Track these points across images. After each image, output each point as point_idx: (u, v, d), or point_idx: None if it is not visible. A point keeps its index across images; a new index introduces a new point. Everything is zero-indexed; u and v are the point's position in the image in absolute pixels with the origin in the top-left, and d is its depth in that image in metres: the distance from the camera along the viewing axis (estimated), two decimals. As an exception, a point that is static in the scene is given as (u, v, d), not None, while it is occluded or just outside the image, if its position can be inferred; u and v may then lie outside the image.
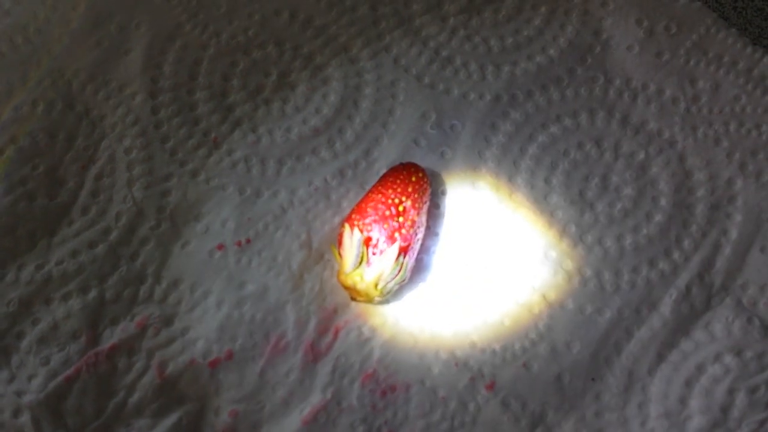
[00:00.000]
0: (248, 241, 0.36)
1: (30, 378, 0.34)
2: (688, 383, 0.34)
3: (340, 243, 0.35)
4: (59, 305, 0.35)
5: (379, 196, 0.35)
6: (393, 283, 0.34)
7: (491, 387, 0.34)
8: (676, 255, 0.36)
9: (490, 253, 0.37)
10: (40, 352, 0.34)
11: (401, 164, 0.37)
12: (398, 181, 0.36)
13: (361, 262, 0.34)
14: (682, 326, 0.35)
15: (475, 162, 0.38)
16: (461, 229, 0.37)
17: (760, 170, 0.38)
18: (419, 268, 0.36)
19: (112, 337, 0.35)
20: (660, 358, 0.35)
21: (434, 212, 0.37)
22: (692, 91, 0.39)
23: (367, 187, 0.37)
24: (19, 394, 0.34)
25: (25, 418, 0.33)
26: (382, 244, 0.34)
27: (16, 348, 0.34)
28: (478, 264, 0.36)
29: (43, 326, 0.35)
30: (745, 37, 0.39)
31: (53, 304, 0.35)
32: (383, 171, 0.37)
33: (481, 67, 0.39)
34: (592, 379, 0.35)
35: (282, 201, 0.37)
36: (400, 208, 0.35)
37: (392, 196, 0.35)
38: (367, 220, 0.35)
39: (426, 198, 0.36)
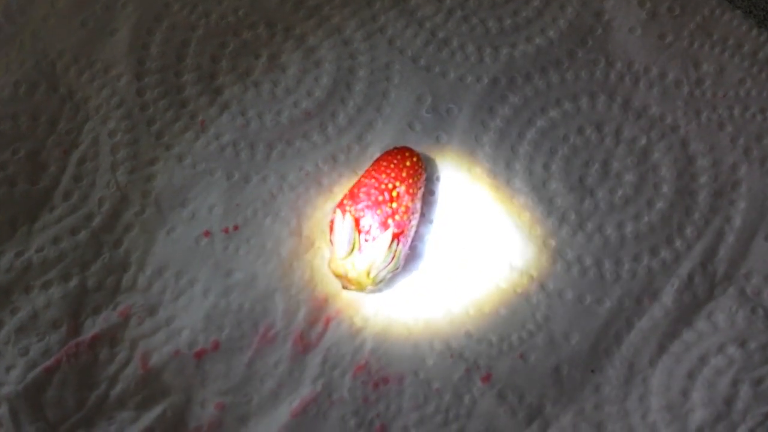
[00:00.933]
0: (236, 227, 0.35)
1: (8, 369, 0.33)
2: (691, 375, 0.33)
3: (331, 229, 0.34)
4: (39, 294, 0.34)
5: (372, 180, 0.34)
6: (386, 271, 0.33)
7: (487, 379, 0.33)
8: (678, 243, 0.35)
9: (486, 241, 0.35)
10: (18, 342, 0.33)
11: (395, 148, 0.35)
12: (392, 166, 0.34)
13: (352, 249, 0.33)
14: (684, 316, 0.34)
15: (471, 147, 0.37)
16: (456, 216, 0.36)
17: (765, 156, 0.36)
18: (413, 255, 0.35)
19: (93, 326, 0.33)
20: (661, 349, 0.34)
21: (429, 198, 0.36)
22: (696, 75, 0.38)
23: (360, 173, 0.35)
24: (-3, 385, 0.32)
25: (2, 410, 0.32)
26: (375, 231, 0.33)
27: (-5, 338, 0.33)
28: (473, 252, 0.35)
29: (23, 315, 0.33)
30: (750, 19, 0.38)
31: (33, 292, 0.34)
32: (377, 156, 0.36)
33: (478, 49, 0.38)
34: (592, 371, 0.34)
35: (271, 186, 0.36)
36: (394, 194, 0.34)
37: (386, 181, 0.34)
38: (360, 206, 0.33)
39: (421, 183, 0.35)
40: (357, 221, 0.33)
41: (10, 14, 0.38)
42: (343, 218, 0.33)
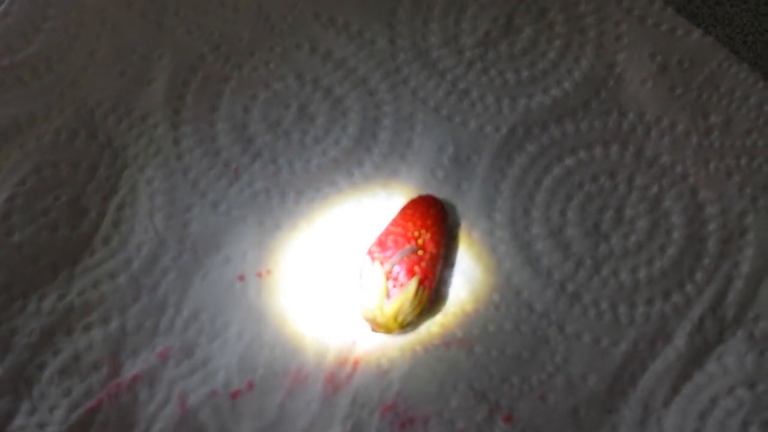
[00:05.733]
0: (268, 272, 0.37)
1: (51, 409, 0.34)
2: (702, 416, 0.35)
3: (360, 276, 0.35)
4: (81, 336, 0.35)
5: (399, 228, 0.36)
6: (412, 315, 0.35)
7: (509, 419, 0.35)
8: (689, 288, 0.37)
9: (506, 285, 0.37)
10: (61, 383, 0.35)
11: (420, 197, 0.37)
12: (417, 214, 0.36)
13: (381, 295, 0.35)
14: (695, 359, 0.36)
15: (491, 194, 0.39)
16: (477, 260, 0.38)
17: (772, 204, 0.38)
18: (437, 299, 0.37)
19: (133, 367, 0.35)
20: (674, 390, 0.35)
21: (451, 243, 0.38)
22: (705, 125, 0.39)
23: (386, 219, 0.37)
24: (41, 426, 0.34)
25: (48, 449, 0.33)
26: (402, 277, 0.35)
27: (38, 379, 0.35)
28: (493, 296, 0.37)
29: (65, 357, 0.35)
30: (756, 72, 0.40)
31: (75, 334, 0.35)
32: (402, 202, 0.38)
33: (497, 99, 0.40)
34: (608, 412, 0.35)
35: (302, 232, 0.38)
36: (420, 241, 0.35)
37: (411, 229, 0.36)
38: (387, 253, 0.35)
39: (444, 230, 0.37)
40: (387, 270, 0.35)
41: (50, 64, 0.40)
42: (372, 265, 0.35)
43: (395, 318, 0.34)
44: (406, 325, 0.35)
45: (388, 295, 0.34)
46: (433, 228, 0.36)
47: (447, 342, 0.36)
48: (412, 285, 0.35)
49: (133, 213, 0.37)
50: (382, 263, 0.35)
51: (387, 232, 0.36)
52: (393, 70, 0.40)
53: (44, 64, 0.40)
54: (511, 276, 0.37)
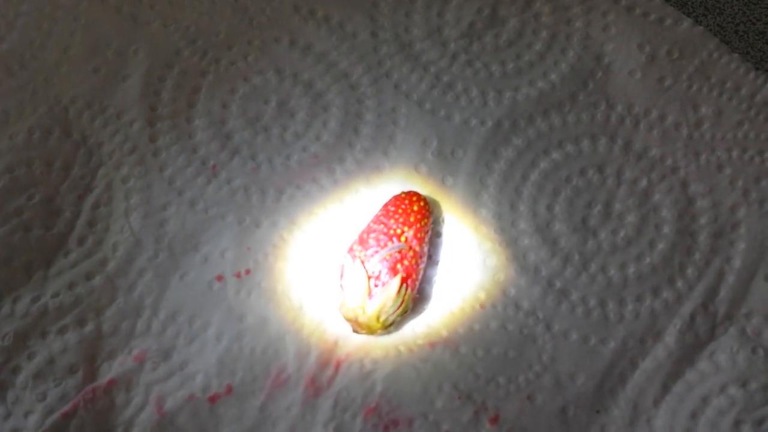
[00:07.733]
0: (248, 271, 0.36)
1: (26, 414, 0.33)
2: (694, 415, 0.34)
3: (341, 274, 0.35)
4: (56, 339, 0.34)
5: (381, 226, 0.35)
6: (395, 315, 0.34)
7: (495, 420, 0.34)
8: (679, 284, 0.36)
9: (492, 282, 0.36)
10: (36, 387, 0.34)
11: (403, 193, 0.36)
12: (400, 211, 0.35)
13: (363, 294, 0.34)
14: (687, 356, 0.35)
15: (476, 189, 0.38)
16: (463, 257, 0.37)
17: (764, 197, 0.37)
18: (421, 298, 0.36)
19: (109, 371, 0.34)
20: (665, 389, 0.34)
21: (435, 240, 0.37)
22: (695, 117, 0.39)
23: (369, 216, 0.36)
24: (15, 431, 0.33)
25: (21, 456, 0.33)
26: (384, 276, 0.34)
27: (12, 383, 0.34)
28: (479, 294, 0.36)
29: (39, 360, 0.34)
30: (747, 62, 0.39)
31: (49, 337, 0.35)
32: (385, 198, 0.37)
33: (482, 92, 0.39)
34: (597, 412, 0.34)
35: (282, 230, 0.37)
36: (402, 239, 0.34)
37: (394, 227, 0.35)
38: (369, 252, 0.34)
39: (428, 227, 0.36)
40: (367, 268, 0.34)
41: (23, 61, 0.39)
42: (353, 264, 0.34)
43: (378, 318, 0.34)
44: (389, 325, 0.34)
45: (370, 295, 0.34)
46: (416, 225, 0.35)
47: (432, 342, 0.35)
48: (395, 284, 0.34)
49: (108, 212, 0.37)
50: (363, 262, 0.34)
51: (369, 230, 0.35)
52: (375, 63, 0.39)
53: (17, 62, 0.39)
54: (497, 273, 0.36)
